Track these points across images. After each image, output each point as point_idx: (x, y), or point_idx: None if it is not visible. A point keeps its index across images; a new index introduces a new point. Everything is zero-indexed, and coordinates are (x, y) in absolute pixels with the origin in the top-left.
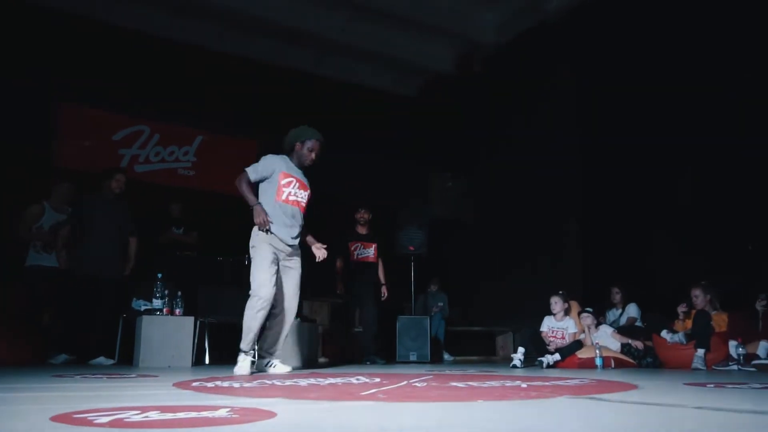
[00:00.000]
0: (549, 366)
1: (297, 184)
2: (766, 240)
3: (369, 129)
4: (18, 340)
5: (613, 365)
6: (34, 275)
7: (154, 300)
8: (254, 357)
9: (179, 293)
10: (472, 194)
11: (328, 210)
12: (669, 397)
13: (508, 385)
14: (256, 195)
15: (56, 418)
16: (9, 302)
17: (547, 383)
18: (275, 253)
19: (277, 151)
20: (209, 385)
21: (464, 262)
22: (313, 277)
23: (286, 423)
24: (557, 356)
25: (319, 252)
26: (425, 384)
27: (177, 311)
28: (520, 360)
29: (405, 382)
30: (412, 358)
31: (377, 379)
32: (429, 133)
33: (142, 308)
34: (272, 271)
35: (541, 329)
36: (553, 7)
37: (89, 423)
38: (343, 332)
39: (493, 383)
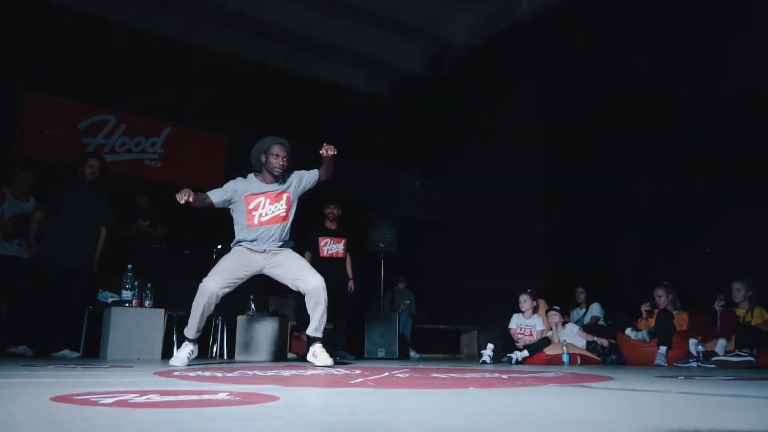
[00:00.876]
0: (517, 362)
1: (267, 201)
2: (721, 243)
3: (338, 126)
4: None
5: (579, 362)
6: None
7: (123, 291)
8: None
9: (149, 285)
10: (440, 193)
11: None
12: (650, 386)
13: (488, 376)
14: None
15: (57, 399)
16: None
17: (524, 375)
18: (246, 261)
19: (248, 145)
20: (191, 374)
21: (431, 260)
22: None
23: (293, 404)
24: (525, 353)
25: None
26: (407, 375)
27: (147, 303)
28: (489, 356)
29: (387, 374)
30: (380, 354)
31: (357, 371)
32: (398, 132)
33: (109, 300)
34: (228, 271)
35: (510, 326)
36: (523, 10)
37: (94, 403)
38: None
39: (474, 375)
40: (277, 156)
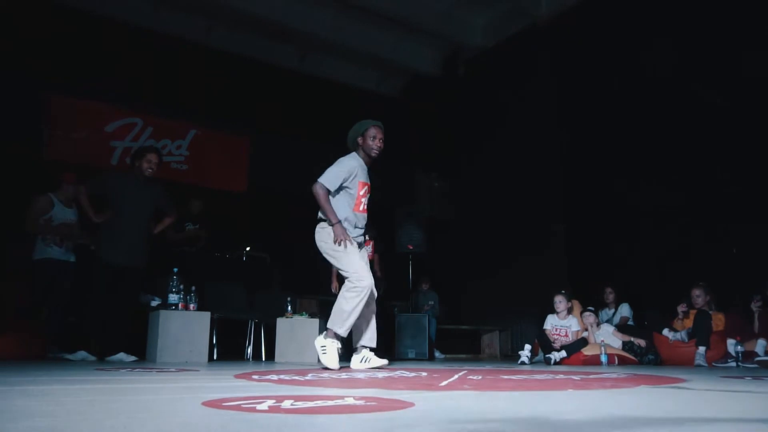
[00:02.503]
0: (556, 363)
1: (367, 190)
2: (750, 244)
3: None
4: (21, 334)
5: (616, 362)
6: (44, 268)
7: (170, 295)
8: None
9: (193, 288)
10: (457, 194)
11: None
12: (738, 386)
13: (558, 378)
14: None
15: (209, 404)
16: (10, 296)
17: (591, 377)
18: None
19: (271, 150)
20: (273, 377)
21: (450, 261)
22: (304, 274)
23: (436, 408)
24: (563, 353)
25: None
26: (480, 377)
27: (191, 306)
28: (527, 357)
29: (457, 376)
30: (411, 355)
31: (424, 374)
32: (413, 133)
33: (152, 303)
34: (363, 261)
35: (545, 327)
36: (542, 12)
37: (252, 410)
38: None
39: (546, 377)
40: (374, 138)
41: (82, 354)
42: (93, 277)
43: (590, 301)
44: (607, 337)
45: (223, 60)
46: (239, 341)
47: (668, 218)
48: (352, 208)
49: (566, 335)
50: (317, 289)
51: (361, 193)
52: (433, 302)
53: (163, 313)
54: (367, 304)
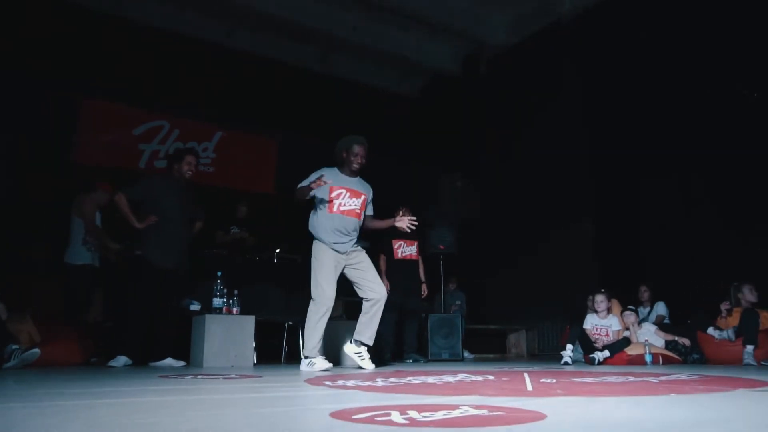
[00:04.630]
0: (599, 362)
1: (347, 194)
2: None
3: (375, 128)
4: (62, 340)
5: (660, 362)
6: (85, 274)
7: (214, 299)
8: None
9: (236, 292)
10: (481, 193)
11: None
12: None
13: (632, 380)
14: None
15: (336, 416)
16: (49, 301)
17: (661, 378)
18: (335, 261)
19: (298, 151)
20: (349, 383)
21: (476, 260)
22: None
23: (573, 420)
24: (606, 353)
25: (402, 223)
26: (554, 380)
27: (234, 310)
28: (570, 357)
29: (528, 379)
30: (445, 356)
31: (491, 377)
32: (435, 133)
33: (191, 307)
34: (332, 276)
35: (585, 327)
36: (565, 9)
37: (389, 423)
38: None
39: (617, 379)
40: (356, 155)
41: (122, 359)
42: (138, 281)
43: (622, 299)
44: (650, 336)
45: (247, 62)
46: (273, 343)
47: (701, 214)
48: (327, 211)
49: (607, 335)
50: (344, 291)
51: (333, 195)
52: (460, 302)
53: (208, 317)
54: (368, 307)
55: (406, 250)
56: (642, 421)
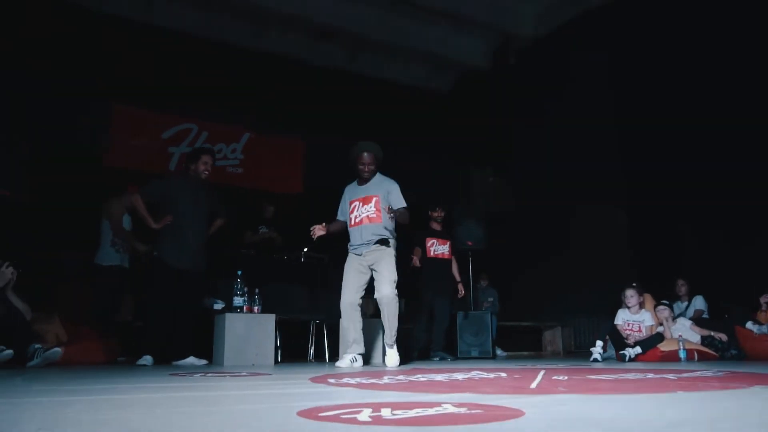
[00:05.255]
0: (631, 359)
1: (359, 204)
2: None
3: (405, 125)
4: (88, 340)
5: (696, 358)
6: (114, 275)
7: (234, 298)
8: (355, 358)
9: (257, 290)
10: (513, 188)
11: None
12: None
13: (650, 377)
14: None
15: (304, 414)
16: (78, 302)
17: (683, 375)
18: (356, 265)
19: (325, 152)
20: (352, 381)
21: (508, 256)
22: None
23: (552, 418)
24: (638, 349)
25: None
26: (566, 377)
27: (255, 309)
28: (600, 354)
29: (540, 376)
30: (474, 353)
31: (503, 374)
32: (465, 128)
33: (215, 306)
34: (351, 280)
35: (616, 322)
36: None
37: (353, 421)
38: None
39: (635, 376)
40: (363, 164)
41: (149, 358)
42: (155, 282)
43: (659, 294)
44: (685, 332)
45: (275, 63)
46: (301, 342)
47: (740, 205)
48: (349, 225)
49: (639, 330)
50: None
51: (350, 209)
52: (492, 299)
53: (228, 316)
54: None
55: (438, 248)
56: (619, 420)
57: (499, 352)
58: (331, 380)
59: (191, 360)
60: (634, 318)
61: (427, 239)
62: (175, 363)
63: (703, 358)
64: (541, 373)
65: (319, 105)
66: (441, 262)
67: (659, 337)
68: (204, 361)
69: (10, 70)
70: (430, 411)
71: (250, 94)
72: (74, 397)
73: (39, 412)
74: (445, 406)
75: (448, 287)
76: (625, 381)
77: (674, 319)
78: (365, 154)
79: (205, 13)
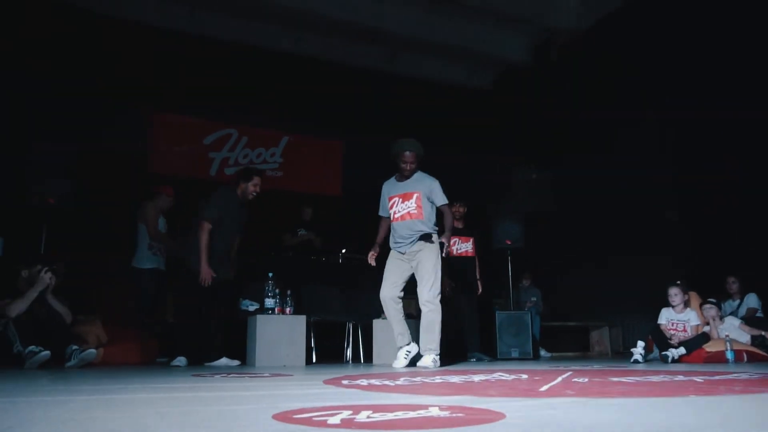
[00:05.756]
0: (674, 360)
1: (399, 200)
2: None
3: (446, 124)
4: (128, 341)
5: (745, 359)
6: (151, 277)
7: (266, 299)
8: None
9: (289, 292)
10: (557, 185)
11: None
12: None
13: (677, 379)
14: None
15: (279, 418)
16: (120, 304)
17: (715, 377)
18: (398, 262)
19: (364, 153)
20: (362, 383)
21: (554, 255)
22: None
23: (531, 422)
24: (682, 350)
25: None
26: (586, 380)
27: (287, 310)
28: (641, 354)
29: (560, 378)
30: (514, 354)
31: (524, 376)
32: (507, 125)
33: (250, 308)
34: (391, 275)
35: (660, 322)
36: None
37: (322, 424)
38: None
39: (661, 378)
40: (404, 162)
41: (182, 360)
42: (189, 287)
43: (712, 292)
44: (733, 331)
45: (313, 66)
46: (339, 343)
47: None
48: (392, 221)
49: (684, 330)
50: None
51: (389, 205)
52: (535, 298)
53: (260, 318)
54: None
55: (461, 246)
56: (599, 426)
57: (542, 353)
58: (345, 381)
59: (224, 361)
60: (679, 317)
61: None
62: (207, 364)
63: (754, 359)
64: (565, 375)
65: (358, 106)
66: (463, 261)
67: (704, 338)
68: (237, 362)
69: (47, 79)
70: (411, 414)
71: (288, 97)
72: (74, 397)
73: (22, 411)
74: (431, 409)
75: (472, 286)
76: (645, 384)
77: (722, 318)
78: (407, 152)
79: (244, 21)
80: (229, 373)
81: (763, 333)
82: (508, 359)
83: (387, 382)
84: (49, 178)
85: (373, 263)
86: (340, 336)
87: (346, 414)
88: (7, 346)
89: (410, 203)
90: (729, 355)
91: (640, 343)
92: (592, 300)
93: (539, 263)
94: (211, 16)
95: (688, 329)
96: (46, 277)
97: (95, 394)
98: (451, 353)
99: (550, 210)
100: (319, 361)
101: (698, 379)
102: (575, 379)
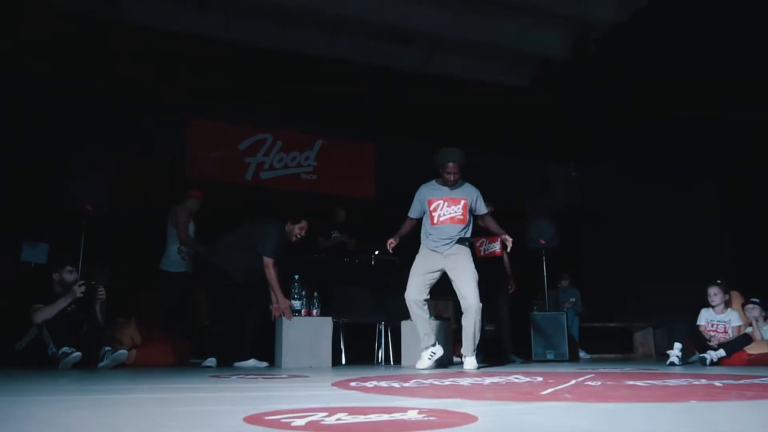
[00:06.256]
0: (713, 363)
1: (445, 204)
2: None
3: (483, 122)
4: (160, 343)
5: None
6: (179, 281)
7: (292, 301)
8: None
9: (315, 294)
10: (597, 183)
11: None
12: None
13: (696, 383)
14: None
15: (250, 420)
16: (153, 306)
17: (740, 381)
18: (430, 263)
19: (397, 155)
20: (369, 385)
21: (592, 254)
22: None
23: (497, 425)
24: (722, 352)
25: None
26: (599, 383)
27: (314, 312)
28: (677, 357)
29: (574, 381)
30: (549, 356)
31: (539, 378)
32: (545, 121)
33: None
34: (418, 278)
35: (699, 323)
36: None
37: (286, 426)
38: None
39: (679, 381)
40: (449, 173)
41: (212, 360)
42: (219, 289)
43: (758, 292)
44: None
45: (346, 69)
46: (371, 345)
47: None
48: (430, 223)
49: (725, 331)
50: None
51: (431, 208)
52: (574, 299)
53: (286, 320)
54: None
55: (489, 247)
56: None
57: (582, 354)
58: (353, 383)
59: (252, 362)
60: (719, 318)
61: (476, 239)
62: (236, 365)
63: None
64: (583, 377)
65: (392, 108)
66: (492, 261)
67: (746, 339)
68: (265, 364)
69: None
70: (384, 417)
71: (322, 100)
72: (72, 396)
73: (4, 410)
74: (410, 412)
75: (502, 286)
76: (656, 388)
77: (766, 318)
78: (451, 164)
79: (279, 26)
80: (248, 374)
81: None
82: (543, 361)
83: (395, 384)
84: (86, 184)
85: (391, 250)
86: (371, 337)
87: (319, 416)
88: (44, 349)
89: (457, 208)
90: None
91: (677, 345)
92: (636, 299)
93: (583, 263)
94: (244, 21)
95: (729, 330)
96: (77, 290)
97: (90, 394)
98: (488, 355)
99: (590, 209)
100: (350, 362)
101: (718, 383)
102: (589, 382)
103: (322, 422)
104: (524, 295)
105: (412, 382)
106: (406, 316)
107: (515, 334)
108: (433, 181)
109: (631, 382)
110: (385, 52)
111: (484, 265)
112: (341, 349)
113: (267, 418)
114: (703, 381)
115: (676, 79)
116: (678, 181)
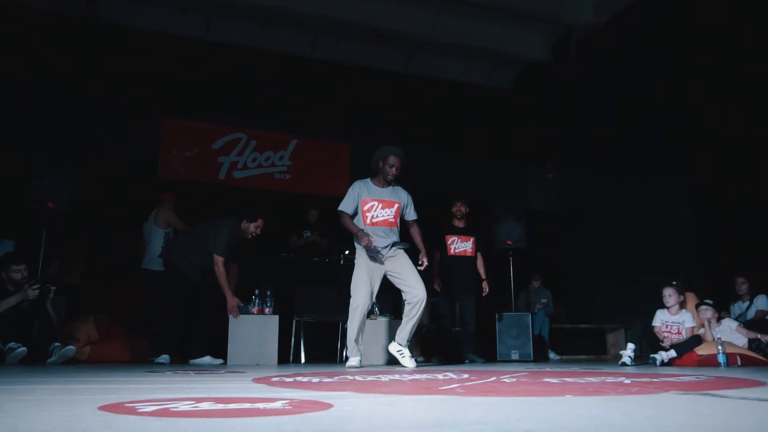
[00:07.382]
0: (663, 363)
1: (379, 206)
2: None
3: (462, 124)
4: (117, 340)
5: (739, 362)
6: (159, 279)
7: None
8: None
9: (268, 292)
10: (573, 185)
11: (424, 207)
12: None
13: (608, 381)
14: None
15: (104, 408)
16: (116, 304)
17: (655, 379)
18: (372, 263)
19: (369, 151)
20: (288, 380)
21: (567, 256)
22: None
23: (336, 415)
24: (672, 353)
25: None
26: (515, 380)
27: (267, 310)
28: (630, 357)
29: (494, 378)
30: (514, 356)
31: (465, 375)
32: (524, 124)
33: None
34: (367, 285)
35: (654, 324)
36: None
37: (134, 411)
38: (438, 330)
39: (592, 379)
40: (392, 166)
41: (165, 357)
42: (174, 287)
43: (726, 295)
44: (729, 335)
45: (326, 69)
46: (332, 343)
47: None
48: (363, 223)
49: (679, 332)
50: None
51: (365, 208)
52: (545, 300)
53: (232, 317)
54: (409, 306)
55: (459, 246)
56: (401, 419)
57: (552, 355)
58: (275, 379)
59: (207, 359)
60: (673, 319)
61: (447, 236)
62: (191, 362)
63: (749, 362)
64: (506, 375)
65: (370, 108)
66: (463, 260)
67: (697, 340)
68: (220, 361)
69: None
70: (246, 405)
71: (299, 101)
72: None
73: None
74: (278, 402)
75: (471, 286)
76: (564, 385)
77: (719, 320)
78: (397, 158)
79: (258, 26)
80: (201, 371)
81: (758, 336)
82: (508, 361)
83: (314, 380)
84: (49, 182)
85: (372, 246)
86: (335, 336)
87: (179, 404)
88: None
89: (390, 212)
90: (721, 359)
91: (630, 345)
92: (609, 301)
93: (556, 264)
94: (224, 21)
95: (683, 331)
96: (30, 293)
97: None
98: (448, 354)
99: (566, 210)
100: (314, 361)
101: (628, 380)
102: (507, 379)
103: (173, 409)
104: (494, 296)
105: (336, 378)
106: (368, 316)
107: (484, 334)
108: (368, 180)
109: (547, 380)
110: (366, 53)
111: (455, 264)
112: (301, 347)
113: (126, 405)
114: (622, 379)
115: (651, 81)
116: (653, 182)
